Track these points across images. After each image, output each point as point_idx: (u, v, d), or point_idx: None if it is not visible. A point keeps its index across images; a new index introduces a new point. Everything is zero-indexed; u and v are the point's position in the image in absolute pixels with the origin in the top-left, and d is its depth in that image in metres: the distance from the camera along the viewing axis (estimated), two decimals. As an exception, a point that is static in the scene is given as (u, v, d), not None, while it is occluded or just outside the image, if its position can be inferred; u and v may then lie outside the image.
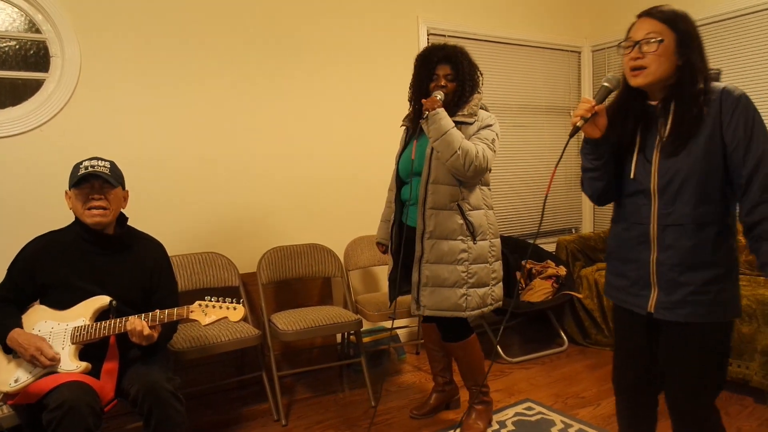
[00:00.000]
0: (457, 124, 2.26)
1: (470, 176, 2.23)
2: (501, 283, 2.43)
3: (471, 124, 2.28)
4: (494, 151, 2.28)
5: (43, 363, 1.82)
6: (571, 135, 1.57)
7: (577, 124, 1.54)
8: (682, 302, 1.51)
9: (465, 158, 2.18)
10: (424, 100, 2.25)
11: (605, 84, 1.57)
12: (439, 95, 2.26)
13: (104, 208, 1.96)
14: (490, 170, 2.33)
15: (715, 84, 1.48)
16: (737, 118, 1.42)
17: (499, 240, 2.41)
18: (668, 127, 1.50)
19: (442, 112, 2.21)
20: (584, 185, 1.72)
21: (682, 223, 1.50)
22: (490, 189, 2.42)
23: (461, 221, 2.27)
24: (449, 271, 2.27)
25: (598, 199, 1.71)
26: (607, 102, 1.61)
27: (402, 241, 2.43)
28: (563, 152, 1.69)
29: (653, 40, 1.46)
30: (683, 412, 1.59)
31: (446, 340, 2.43)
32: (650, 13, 1.50)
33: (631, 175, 1.58)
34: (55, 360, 1.84)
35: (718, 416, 1.59)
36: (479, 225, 2.30)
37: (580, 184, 1.76)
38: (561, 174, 4.49)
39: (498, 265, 2.39)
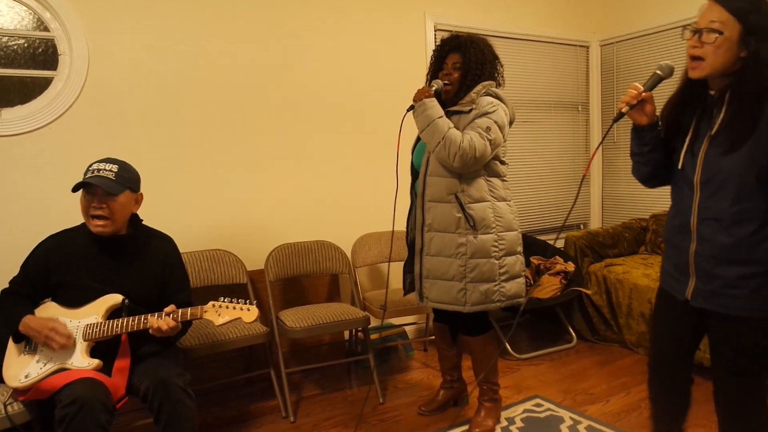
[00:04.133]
0: (453, 113, 2.23)
1: (457, 167, 2.18)
2: (519, 279, 2.35)
3: (467, 112, 2.23)
4: (489, 140, 2.17)
5: (58, 342, 1.83)
6: (615, 120, 1.57)
7: (622, 110, 1.54)
8: (718, 293, 1.52)
9: (449, 148, 2.14)
10: (416, 91, 2.24)
11: (657, 72, 1.55)
12: (435, 85, 2.24)
13: (105, 218, 1.94)
14: (496, 159, 2.27)
15: None
16: None
17: (514, 234, 2.32)
18: (719, 121, 1.46)
19: (429, 102, 2.19)
20: (633, 169, 1.74)
21: (719, 218, 1.48)
22: (503, 180, 2.34)
23: (459, 214, 2.23)
24: (447, 264, 2.26)
25: (645, 183, 1.73)
26: (658, 88, 1.58)
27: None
28: (605, 136, 1.69)
29: (713, 31, 1.39)
30: (727, 402, 1.59)
31: (465, 334, 2.41)
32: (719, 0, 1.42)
33: (679, 166, 1.57)
34: (70, 339, 1.85)
35: (764, 409, 1.56)
36: (482, 218, 2.24)
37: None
38: (570, 170, 4.47)
39: (511, 261, 2.31)
